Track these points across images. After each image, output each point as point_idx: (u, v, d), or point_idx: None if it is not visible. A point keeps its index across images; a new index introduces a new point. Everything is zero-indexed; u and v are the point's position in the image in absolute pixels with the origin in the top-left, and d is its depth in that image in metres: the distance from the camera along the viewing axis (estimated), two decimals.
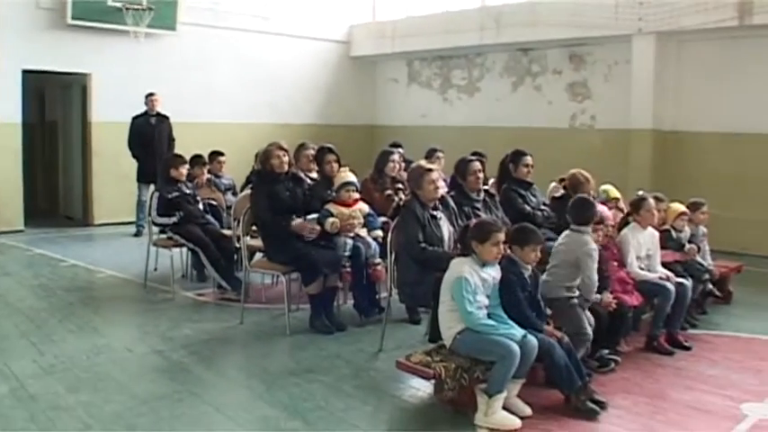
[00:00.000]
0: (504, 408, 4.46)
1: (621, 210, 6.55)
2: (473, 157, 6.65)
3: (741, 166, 10.40)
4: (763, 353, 6.00)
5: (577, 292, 5.21)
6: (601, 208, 5.68)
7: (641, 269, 5.95)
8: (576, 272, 5.16)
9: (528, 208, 6.98)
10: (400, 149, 8.52)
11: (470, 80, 14.32)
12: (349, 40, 15.71)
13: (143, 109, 11.34)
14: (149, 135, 11.23)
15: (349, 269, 6.50)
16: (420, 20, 14.49)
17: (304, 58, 14.96)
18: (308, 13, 14.82)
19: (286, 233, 6.44)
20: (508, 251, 4.85)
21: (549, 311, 5.16)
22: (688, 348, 5.95)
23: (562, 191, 7.13)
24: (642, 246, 6.01)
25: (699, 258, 6.79)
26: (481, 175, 6.49)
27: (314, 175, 7.38)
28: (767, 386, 5.16)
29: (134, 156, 11.30)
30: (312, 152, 7.46)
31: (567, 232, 5.35)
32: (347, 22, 15.64)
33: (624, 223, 6.14)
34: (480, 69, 14.14)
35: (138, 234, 11.30)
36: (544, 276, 5.23)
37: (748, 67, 10.32)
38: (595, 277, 5.17)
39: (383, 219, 6.89)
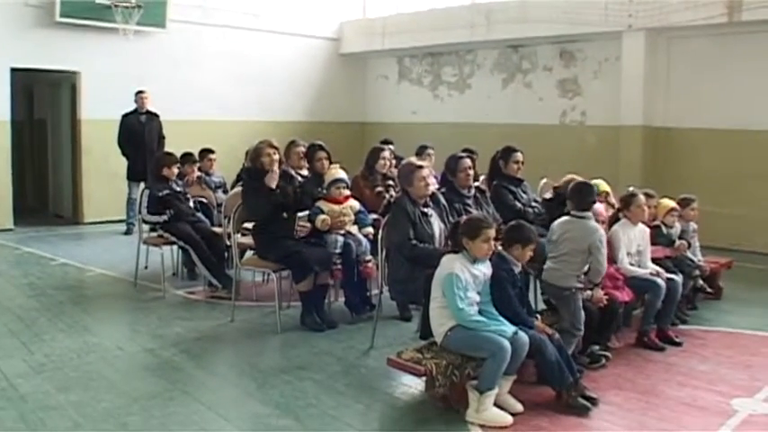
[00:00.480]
0: (496, 404, 4.46)
1: (612, 204, 6.56)
2: (463, 154, 6.65)
3: (731, 162, 10.43)
4: (753, 348, 6.01)
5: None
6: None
7: (631, 265, 5.96)
8: (586, 259, 5.17)
9: (518, 204, 6.96)
10: (391, 146, 8.52)
11: (461, 77, 14.32)
12: (339, 37, 15.68)
13: (133, 107, 11.29)
14: (139, 133, 11.19)
15: (340, 266, 6.49)
16: (410, 16, 14.48)
17: (294, 56, 14.94)
18: (298, 10, 14.79)
19: (277, 231, 6.44)
20: (499, 247, 4.86)
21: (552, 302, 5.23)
22: (678, 344, 5.97)
23: (550, 193, 7.14)
24: (632, 242, 6.01)
25: (689, 254, 6.81)
26: (471, 171, 6.48)
27: (304, 172, 7.37)
28: (757, 381, 5.18)
29: (124, 154, 11.25)
30: (302, 149, 7.44)
31: (568, 219, 5.30)
32: (337, 18, 15.62)
33: (615, 219, 6.14)
34: (471, 66, 14.14)
35: (128, 232, 11.27)
36: (551, 265, 5.24)
37: (738, 64, 10.34)
38: (605, 262, 5.21)
39: (374, 216, 6.89)
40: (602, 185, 6.80)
